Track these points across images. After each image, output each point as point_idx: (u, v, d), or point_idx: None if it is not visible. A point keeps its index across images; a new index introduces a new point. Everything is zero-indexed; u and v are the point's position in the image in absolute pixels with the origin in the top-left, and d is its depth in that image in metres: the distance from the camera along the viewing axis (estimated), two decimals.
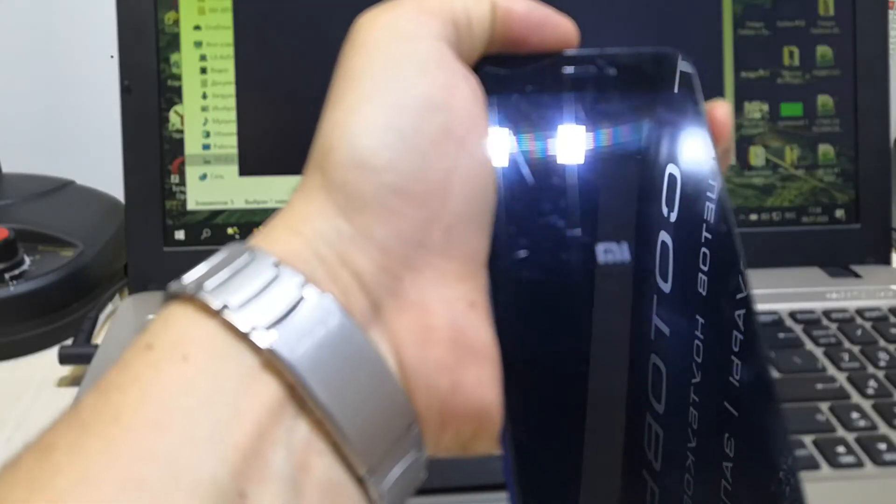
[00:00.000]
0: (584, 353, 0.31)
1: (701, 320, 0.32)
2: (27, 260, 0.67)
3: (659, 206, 0.33)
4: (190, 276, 0.28)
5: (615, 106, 0.34)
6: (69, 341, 0.63)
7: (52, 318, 0.66)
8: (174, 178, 0.67)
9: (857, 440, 0.49)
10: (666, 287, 0.32)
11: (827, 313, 0.62)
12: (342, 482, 0.27)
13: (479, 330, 0.30)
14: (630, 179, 0.34)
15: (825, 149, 0.71)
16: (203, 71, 0.67)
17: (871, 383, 0.54)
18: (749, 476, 0.30)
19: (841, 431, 0.50)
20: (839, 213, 0.70)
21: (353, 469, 0.27)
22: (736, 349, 0.31)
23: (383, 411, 0.28)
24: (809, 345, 0.58)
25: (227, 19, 0.67)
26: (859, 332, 0.59)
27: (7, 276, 0.65)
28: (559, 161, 0.33)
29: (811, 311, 0.62)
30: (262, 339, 0.26)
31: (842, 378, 0.55)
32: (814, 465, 0.47)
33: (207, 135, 0.67)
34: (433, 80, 0.31)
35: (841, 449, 0.48)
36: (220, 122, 0.67)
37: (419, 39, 0.31)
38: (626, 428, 0.31)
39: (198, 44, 0.67)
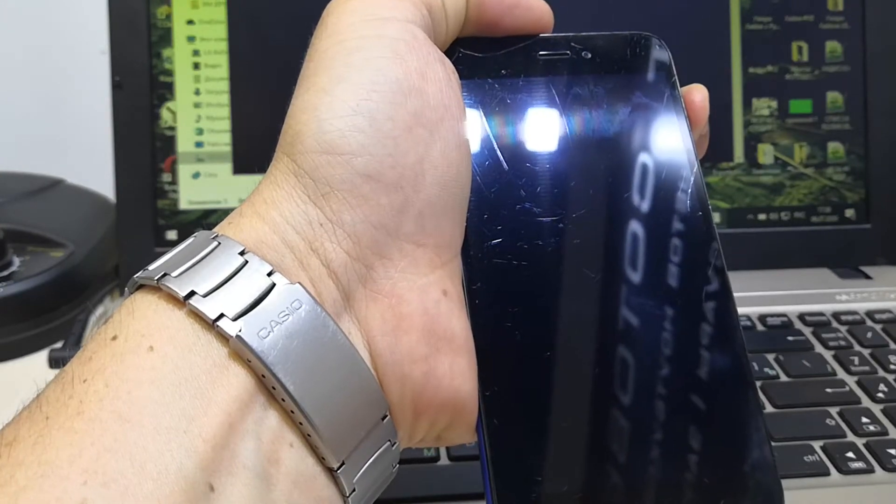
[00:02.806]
0: (558, 339, 0.31)
1: (669, 311, 0.32)
2: (16, 261, 0.66)
3: (632, 194, 0.33)
4: (155, 265, 0.28)
5: (590, 90, 0.34)
6: (59, 344, 0.62)
7: (41, 320, 0.65)
8: (166, 177, 0.66)
9: (867, 445, 0.49)
10: (636, 276, 0.32)
11: (836, 315, 0.61)
12: (313, 474, 0.27)
13: (453, 318, 0.30)
14: (604, 165, 0.34)
15: (835, 147, 0.69)
16: (196, 66, 0.66)
17: (882, 387, 0.53)
18: (721, 463, 0.30)
19: (850, 437, 0.49)
20: (849, 212, 0.69)
21: (324, 461, 0.27)
22: (705, 342, 0.32)
23: (355, 402, 0.28)
24: (819, 348, 0.57)
25: (221, 13, 0.66)
26: (869, 334, 0.59)
27: None
28: (533, 147, 0.33)
29: (820, 314, 0.61)
30: (230, 328, 0.26)
31: (851, 382, 0.54)
32: (823, 472, 0.47)
33: (200, 132, 0.66)
34: (405, 64, 0.30)
35: (850, 454, 0.48)
36: (213, 118, 0.66)
37: (391, 23, 0.31)
38: (598, 413, 0.31)
39: (191, 39, 0.66)
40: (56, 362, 0.59)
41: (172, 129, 0.66)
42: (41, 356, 0.61)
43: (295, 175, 0.29)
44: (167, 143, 0.65)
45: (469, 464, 0.47)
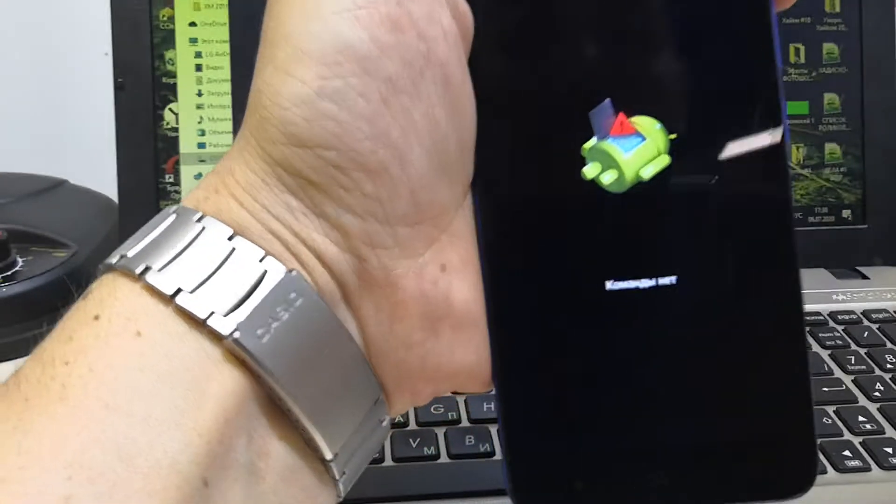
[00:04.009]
0: (583, 291, 0.28)
1: (714, 281, 0.28)
2: (20, 261, 0.66)
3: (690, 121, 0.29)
4: (134, 250, 0.25)
5: None
6: None
7: (44, 319, 0.64)
8: (169, 178, 0.66)
9: (863, 444, 0.48)
10: (675, 228, 0.29)
11: (833, 315, 0.61)
12: (300, 466, 0.26)
13: (452, 292, 0.28)
14: (649, 80, 0.29)
15: (832, 148, 0.69)
16: (198, 68, 0.66)
17: (878, 386, 0.53)
18: (751, 434, 0.29)
19: (847, 435, 0.49)
20: (846, 213, 0.69)
21: (317, 452, 0.26)
22: (751, 311, 0.28)
23: (351, 395, 0.27)
24: (815, 347, 0.57)
25: (223, 15, 0.66)
26: (866, 334, 0.58)
27: None
28: (565, 57, 0.29)
29: (817, 313, 0.61)
30: (223, 326, 0.24)
31: (848, 381, 0.54)
32: (820, 470, 0.46)
33: (202, 133, 0.66)
34: (369, 17, 0.25)
35: (847, 453, 0.48)
36: (215, 120, 0.66)
37: None
38: (624, 374, 0.29)
39: (193, 40, 0.66)
40: None
41: (175, 129, 0.66)
42: None
43: (266, 162, 0.26)
44: (169, 144, 0.66)
45: (469, 461, 0.47)
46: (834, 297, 0.63)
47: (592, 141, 0.28)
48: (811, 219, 0.69)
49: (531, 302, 0.29)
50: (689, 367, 0.29)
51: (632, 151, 0.28)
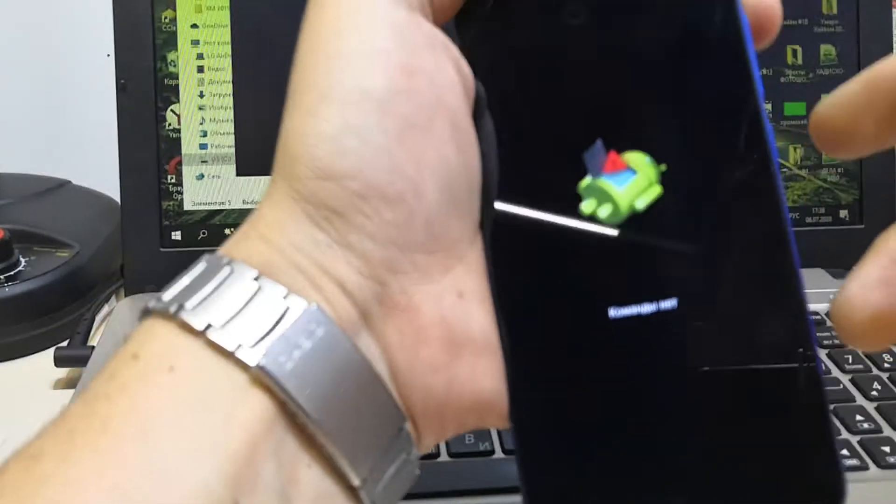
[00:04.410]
0: (590, 314, 0.29)
1: (713, 292, 0.29)
2: (22, 261, 0.67)
3: (683, 152, 0.30)
4: (169, 295, 0.27)
5: (630, 21, 0.31)
6: (65, 343, 0.62)
7: (47, 319, 0.65)
8: (171, 178, 0.66)
9: (861, 443, 0.49)
10: (680, 248, 0.29)
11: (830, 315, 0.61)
12: (331, 493, 0.27)
13: (471, 319, 0.29)
14: (646, 115, 0.30)
15: None
16: (200, 70, 0.66)
17: (875, 385, 0.53)
18: (773, 453, 0.28)
19: (845, 434, 0.50)
20: (843, 213, 0.70)
21: (344, 479, 0.27)
22: (759, 330, 0.29)
23: (374, 420, 0.28)
24: None
25: (225, 17, 0.66)
26: None
27: (2, 276, 0.64)
28: (563, 99, 0.31)
29: (815, 313, 0.61)
30: (250, 357, 0.26)
31: (845, 380, 0.54)
32: None
33: (204, 134, 0.66)
34: (389, 63, 0.28)
35: (845, 452, 0.48)
36: (217, 121, 0.66)
37: (369, 13, 0.29)
38: (636, 399, 0.29)
39: (195, 42, 0.66)
40: (61, 361, 0.60)
41: (177, 131, 0.66)
42: (47, 355, 0.62)
43: (294, 200, 0.28)
44: (172, 145, 0.66)
45: (469, 460, 0.47)
46: (831, 297, 0.63)
47: (587, 179, 0.30)
48: (808, 219, 0.69)
49: (541, 332, 0.29)
50: (697, 386, 0.29)
51: (625, 185, 0.29)
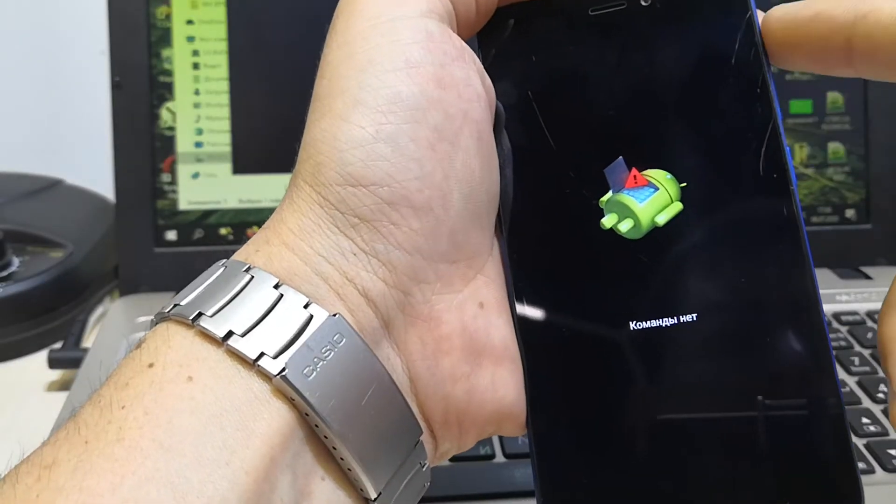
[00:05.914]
0: (606, 329, 0.30)
1: (732, 307, 0.30)
2: (16, 261, 0.66)
3: (704, 175, 0.31)
4: (187, 300, 0.27)
5: (652, 46, 0.31)
6: (58, 345, 0.62)
7: (40, 320, 0.65)
8: (166, 177, 0.66)
9: (867, 446, 0.48)
10: (694, 259, 0.30)
11: (837, 316, 0.61)
12: None
13: (491, 328, 0.30)
14: (670, 137, 0.31)
15: (835, 147, 0.69)
16: (195, 66, 0.66)
17: (882, 388, 0.53)
18: (790, 460, 0.29)
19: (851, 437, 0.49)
20: (849, 213, 0.69)
21: (356, 491, 0.27)
22: (776, 340, 0.29)
23: (393, 433, 0.28)
24: None
25: (221, 13, 0.66)
26: (870, 335, 0.58)
27: None
28: (585, 121, 0.31)
29: None
30: (272, 367, 0.26)
31: (852, 382, 0.54)
32: None
33: (200, 132, 0.66)
34: (421, 74, 0.29)
35: None
36: (212, 118, 0.66)
37: (402, 23, 0.29)
38: (652, 409, 0.30)
39: (190, 39, 0.66)
40: (55, 363, 0.59)
41: (172, 129, 0.65)
42: (41, 356, 0.61)
43: (321, 206, 0.28)
44: (166, 144, 0.65)
45: (469, 465, 0.47)
46: (837, 297, 0.63)
47: (609, 194, 0.31)
48: (814, 219, 0.69)
49: (560, 343, 0.30)
50: (715, 399, 0.29)
51: (646, 201, 0.30)
